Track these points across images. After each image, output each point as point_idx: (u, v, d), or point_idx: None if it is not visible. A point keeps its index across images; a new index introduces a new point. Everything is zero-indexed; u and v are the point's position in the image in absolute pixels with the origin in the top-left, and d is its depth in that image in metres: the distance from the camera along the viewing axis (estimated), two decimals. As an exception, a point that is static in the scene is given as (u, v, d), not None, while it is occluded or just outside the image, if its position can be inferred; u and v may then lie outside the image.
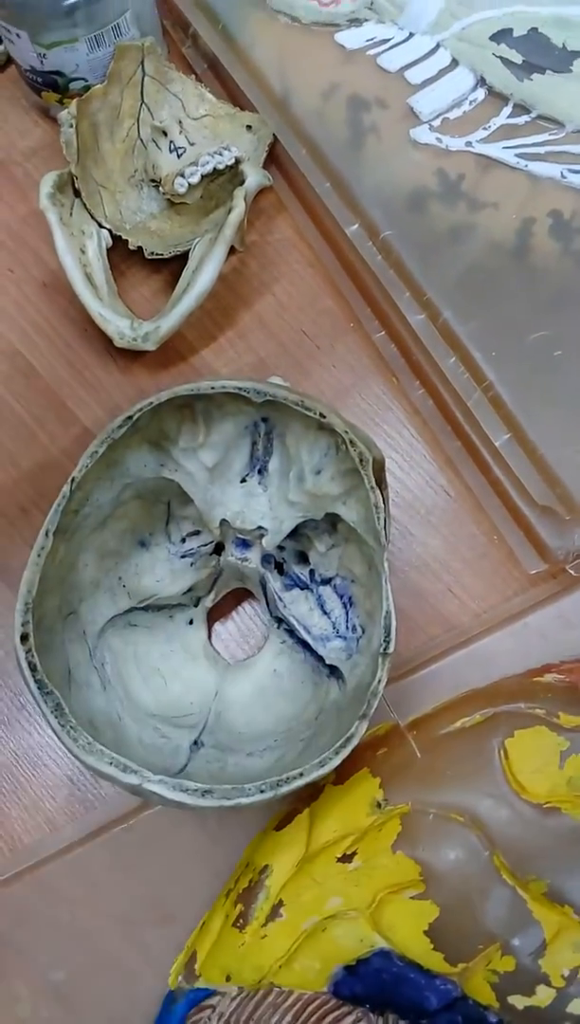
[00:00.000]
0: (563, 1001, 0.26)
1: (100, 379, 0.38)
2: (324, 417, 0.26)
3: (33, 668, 0.25)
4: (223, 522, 0.30)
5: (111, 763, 0.24)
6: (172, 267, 0.38)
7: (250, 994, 0.28)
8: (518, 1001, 0.26)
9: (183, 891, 0.31)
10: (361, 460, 0.26)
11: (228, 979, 0.28)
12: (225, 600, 0.34)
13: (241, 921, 0.29)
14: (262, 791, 0.24)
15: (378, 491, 0.26)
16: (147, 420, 0.28)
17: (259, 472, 0.30)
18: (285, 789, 0.24)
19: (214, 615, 0.34)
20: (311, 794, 0.30)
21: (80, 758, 0.24)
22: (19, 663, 0.25)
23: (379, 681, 0.26)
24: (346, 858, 0.28)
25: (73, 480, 0.26)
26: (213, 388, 0.27)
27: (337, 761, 0.25)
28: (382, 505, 0.26)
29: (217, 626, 0.34)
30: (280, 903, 0.29)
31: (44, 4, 0.35)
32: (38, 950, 0.30)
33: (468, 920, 0.27)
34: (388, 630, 0.26)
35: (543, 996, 0.26)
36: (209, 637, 0.33)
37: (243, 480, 0.30)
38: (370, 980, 0.27)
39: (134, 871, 0.31)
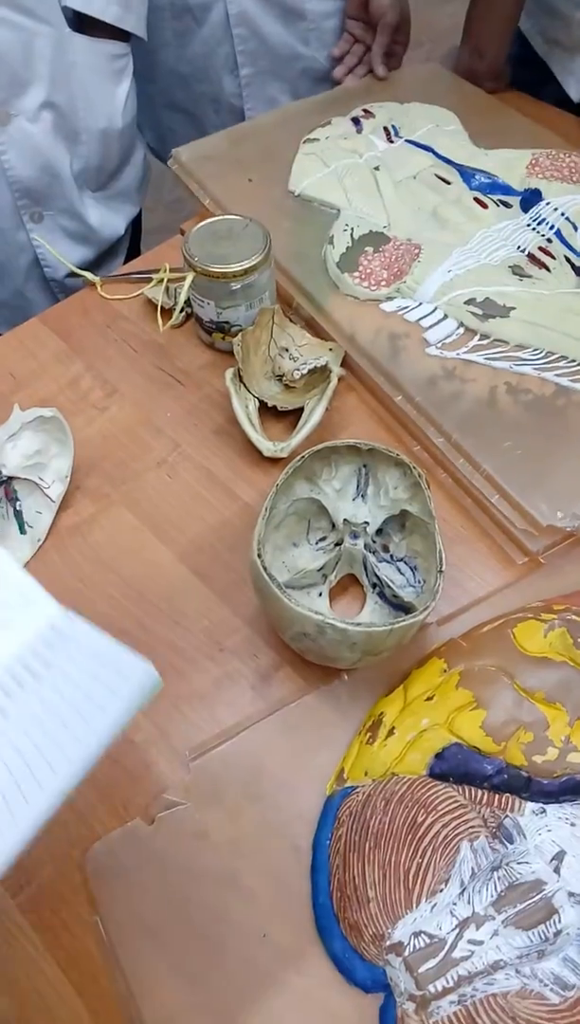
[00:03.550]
0: (564, 755, 0.48)
1: (252, 475, 0.67)
2: (399, 456, 0.56)
3: (265, 568, 0.51)
4: (345, 521, 0.58)
5: (308, 610, 0.49)
6: (290, 417, 0.70)
7: (381, 781, 0.50)
8: (538, 758, 0.48)
9: (330, 739, 0.53)
10: (419, 476, 0.55)
11: (366, 774, 0.50)
12: (338, 584, 0.60)
13: (371, 740, 0.51)
14: (386, 626, 0.49)
15: (429, 491, 0.54)
16: (305, 462, 0.57)
17: (362, 495, 0.59)
18: (400, 624, 0.49)
19: (333, 594, 0.60)
20: (404, 675, 0.54)
21: (294, 609, 0.49)
22: (259, 568, 0.51)
23: (439, 584, 0.52)
24: (430, 699, 0.52)
25: (276, 486, 0.55)
26: (341, 443, 0.57)
27: (427, 612, 0.50)
28: (429, 492, 0.54)
29: (336, 601, 0.60)
30: (393, 728, 0.51)
31: (221, 289, 0.71)
32: (239, 779, 0.52)
33: (504, 717, 0.50)
34: (441, 559, 0.53)
35: (551, 754, 0.48)
36: (330, 605, 0.59)
37: (354, 498, 0.59)
38: (451, 761, 0.49)
39: (299, 731, 0.53)
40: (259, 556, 0.51)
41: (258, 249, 0.69)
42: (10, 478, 0.63)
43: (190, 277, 0.70)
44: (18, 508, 0.63)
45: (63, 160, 0.83)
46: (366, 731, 0.52)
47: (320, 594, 0.59)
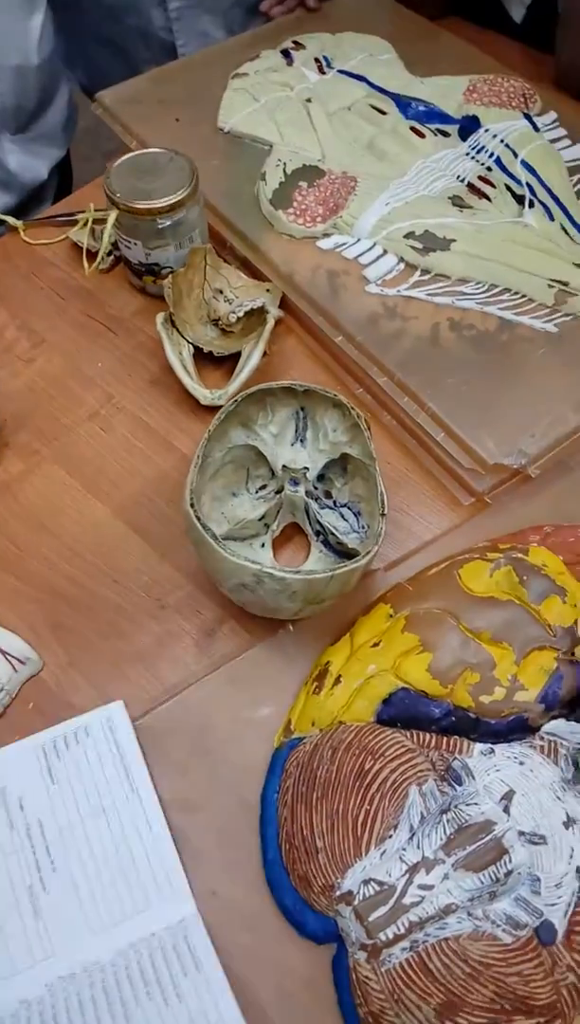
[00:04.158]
0: (511, 694, 0.48)
1: (190, 425, 0.65)
2: (337, 397, 0.54)
3: (198, 518, 0.49)
4: (284, 467, 0.56)
5: (244, 560, 0.47)
6: (226, 363, 0.68)
7: (328, 730, 0.49)
8: (485, 699, 0.48)
9: (277, 691, 0.52)
10: (358, 416, 0.53)
11: (313, 724, 0.49)
12: (282, 534, 0.58)
13: (317, 690, 0.50)
14: (326, 572, 0.48)
15: (369, 432, 0.52)
16: (239, 407, 0.55)
17: (301, 440, 0.57)
18: (340, 570, 0.48)
19: (277, 545, 0.58)
20: (350, 624, 0.53)
21: (230, 560, 0.47)
22: (193, 519, 0.49)
23: (381, 528, 0.50)
24: (376, 645, 0.51)
25: (208, 433, 0.52)
26: (276, 385, 0.54)
27: (369, 558, 0.48)
28: (369, 434, 0.52)
29: (281, 551, 0.58)
30: (339, 677, 0.50)
31: (148, 227, 0.67)
32: (185, 736, 0.50)
33: (450, 659, 0.49)
34: (383, 503, 0.51)
35: (498, 693, 0.48)
36: (275, 555, 0.57)
37: (293, 443, 0.57)
38: (398, 706, 0.48)
39: (245, 685, 0.52)
40: (192, 506, 0.49)
41: (185, 183, 0.65)
42: None
43: (113, 215, 0.66)
44: None
45: None
46: (312, 681, 0.51)
47: (263, 545, 0.57)
